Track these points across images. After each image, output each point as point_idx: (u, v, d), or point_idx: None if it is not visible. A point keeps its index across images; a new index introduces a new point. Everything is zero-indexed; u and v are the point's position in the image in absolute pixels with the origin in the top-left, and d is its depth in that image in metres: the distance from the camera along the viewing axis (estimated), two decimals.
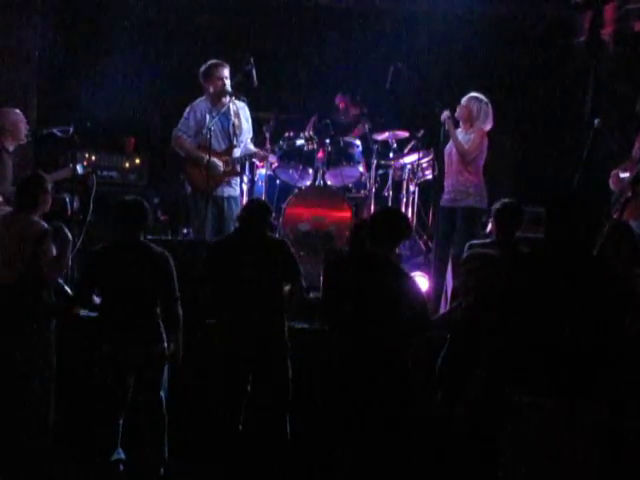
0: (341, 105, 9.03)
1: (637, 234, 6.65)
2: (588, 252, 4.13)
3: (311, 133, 8.28)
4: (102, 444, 5.36)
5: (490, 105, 7.30)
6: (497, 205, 5.64)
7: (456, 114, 7.28)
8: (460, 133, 7.31)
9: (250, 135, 7.72)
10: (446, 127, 7.24)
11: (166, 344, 5.35)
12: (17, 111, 6.79)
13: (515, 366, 4.07)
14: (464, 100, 7.29)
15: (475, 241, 5.83)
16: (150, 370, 5.33)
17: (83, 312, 6.05)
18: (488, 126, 7.30)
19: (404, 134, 8.52)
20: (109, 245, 5.44)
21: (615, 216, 6.88)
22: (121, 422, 5.37)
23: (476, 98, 7.28)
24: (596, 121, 7.03)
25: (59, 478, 5.46)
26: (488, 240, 5.78)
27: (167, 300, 5.34)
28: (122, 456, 5.39)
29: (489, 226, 8.44)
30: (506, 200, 5.64)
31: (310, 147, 8.15)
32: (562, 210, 4.09)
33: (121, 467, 5.37)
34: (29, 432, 5.40)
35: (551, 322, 3.99)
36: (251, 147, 7.72)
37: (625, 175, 6.86)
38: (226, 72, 7.38)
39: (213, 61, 7.40)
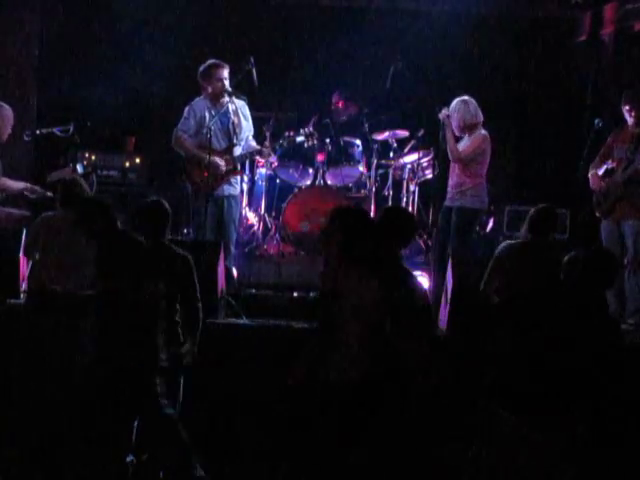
0: (339, 104, 9.02)
1: (632, 235, 6.72)
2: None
3: (311, 129, 8.26)
4: (118, 446, 5.34)
5: (472, 100, 7.25)
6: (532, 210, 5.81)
7: (446, 124, 7.21)
8: (465, 138, 7.27)
9: (251, 133, 7.71)
10: (445, 127, 7.23)
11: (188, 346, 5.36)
12: (7, 107, 6.81)
13: (495, 380, 4.11)
14: (452, 109, 7.23)
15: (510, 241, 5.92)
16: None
17: None
18: (480, 118, 7.26)
19: (404, 134, 8.52)
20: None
21: (598, 215, 6.89)
22: (135, 424, 5.36)
23: (461, 101, 7.24)
24: (596, 121, 7.03)
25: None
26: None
27: (189, 301, 5.33)
28: (133, 459, 5.39)
29: (489, 225, 8.50)
30: (542, 205, 5.81)
31: (310, 143, 8.15)
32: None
33: (131, 470, 5.37)
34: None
35: (532, 345, 4.05)
36: (253, 144, 7.72)
37: (601, 172, 6.84)
38: (225, 73, 7.37)
39: (212, 61, 7.39)
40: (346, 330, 4.51)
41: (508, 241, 6.32)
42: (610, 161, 6.83)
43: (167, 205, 5.51)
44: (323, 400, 4.53)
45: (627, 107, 6.79)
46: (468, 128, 7.19)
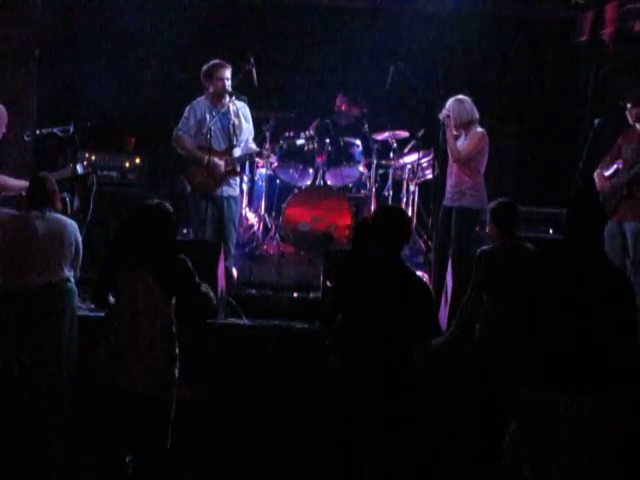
0: (342, 107, 9.02)
1: (633, 236, 6.72)
2: (603, 254, 4.24)
3: (312, 132, 8.26)
4: (115, 445, 5.34)
5: (467, 98, 7.25)
6: (492, 205, 5.78)
7: (446, 124, 7.19)
8: (462, 136, 7.28)
9: (252, 135, 7.71)
10: (445, 127, 7.22)
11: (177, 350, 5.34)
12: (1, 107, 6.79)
13: (533, 364, 4.10)
14: (447, 108, 7.23)
15: (484, 247, 5.90)
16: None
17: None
18: (476, 115, 7.25)
19: (404, 134, 8.52)
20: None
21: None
22: None
23: (456, 100, 7.24)
24: (596, 121, 7.03)
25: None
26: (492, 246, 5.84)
27: (193, 294, 5.18)
28: (132, 459, 5.38)
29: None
30: (501, 199, 5.79)
31: (310, 147, 8.16)
32: (585, 213, 4.21)
33: (130, 469, 5.37)
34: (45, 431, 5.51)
35: (570, 322, 4.04)
36: (253, 146, 7.71)
37: (609, 173, 6.86)
38: (227, 73, 7.37)
39: (215, 61, 7.39)
40: None
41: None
42: (620, 161, 6.85)
43: (170, 207, 5.48)
44: None
45: (628, 107, 6.82)
46: (464, 126, 7.20)
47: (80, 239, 5.79)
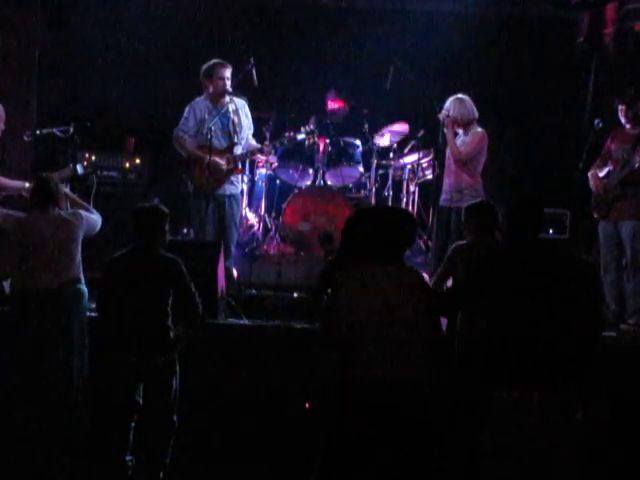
0: (334, 104, 9.01)
1: (629, 236, 6.72)
2: (554, 247, 4.28)
3: (312, 127, 8.24)
4: (115, 447, 5.35)
5: (467, 97, 7.26)
6: (469, 205, 5.79)
7: (446, 123, 7.19)
8: (461, 135, 7.28)
9: (251, 131, 7.70)
10: (445, 127, 7.22)
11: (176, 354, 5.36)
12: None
13: (493, 362, 4.11)
14: (447, 107, 7.23)
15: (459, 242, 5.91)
16: (161, 378, 5.31)
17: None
18: (476, 115, 7.24)
19: (403, 128, 8.48)
20: (125, 253, 5.42)
21: (596, 216, 6.91)
22: (133, 425, 5.37)
23: (456, 99, 7.24)
24: (596, 121, 7.03)
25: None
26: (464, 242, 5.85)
27: (185, 300, 5.33)
28: (132, 458, 5.39)
29: None
30: (479, 200, 5.82)
31: (311, 141, 8.15)
32: (527, 209, 4.31)
33: (130, 470, 5.37)
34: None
35: (524, 315, 4.07)
36: (253, 142, 7.71)
37: (603, 174, 6.87)
38: (228, 73, 7.37)
39: (216, 60, 7.39)
40: None
41: None
42: (610, 162, 6.86)
43: (164, 209, 5.48)
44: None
45: (622, 107, 6.82)
46: (464, 125, 7.20)
47: (85, 221, 5.78)
